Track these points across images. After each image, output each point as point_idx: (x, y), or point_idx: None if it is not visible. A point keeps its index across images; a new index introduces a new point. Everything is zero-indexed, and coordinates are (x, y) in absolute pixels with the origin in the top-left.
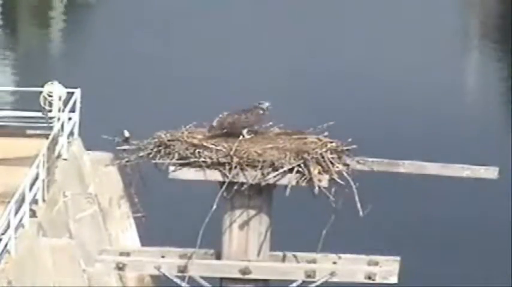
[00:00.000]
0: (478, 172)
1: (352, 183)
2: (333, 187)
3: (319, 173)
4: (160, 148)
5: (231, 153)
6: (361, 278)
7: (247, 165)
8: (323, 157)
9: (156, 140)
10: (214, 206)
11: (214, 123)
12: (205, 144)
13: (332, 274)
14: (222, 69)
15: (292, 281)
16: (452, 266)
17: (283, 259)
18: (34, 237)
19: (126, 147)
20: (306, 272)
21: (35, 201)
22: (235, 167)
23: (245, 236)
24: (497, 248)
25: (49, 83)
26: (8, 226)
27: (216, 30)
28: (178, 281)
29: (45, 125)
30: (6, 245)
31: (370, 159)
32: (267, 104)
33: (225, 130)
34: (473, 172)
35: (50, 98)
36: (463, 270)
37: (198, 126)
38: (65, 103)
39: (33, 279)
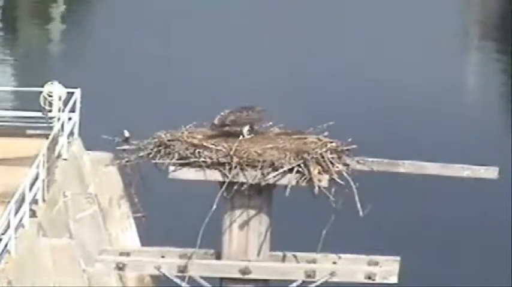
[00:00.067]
0: (478, 172)
1: (352, 183)
2: (333, 187)
3: (319, 173)
4: (160, 148)
5: (231, 153)
6: (361, 278)
7: (247, 165)
8: (323, 157)
9: (156, 140)
10: (214, 206)
11: (216, 121)
12: (205, 144)
13: (332, 274)
14: (222, 69)
15: (292, 281)
16: (452, 266)
17: (283, 259)
18: (34, 237)
19: (126, 147)
20: (306, 272)
21: (35, 201)
22: (235, 167)
23: (245, 236)
24: (497, 248)
25: (49, 83)
26: (8, 226)
27: (216, 30)
28: (178, 281)
29: (45, 125)
30: (6, 245)
31: (370, 159)
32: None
33: (226, 127)
34: (473, 172)
35: (50, 98)
36: (463, 270)
37: (198, 126)
38: (65, 103)
39: (33, 279)
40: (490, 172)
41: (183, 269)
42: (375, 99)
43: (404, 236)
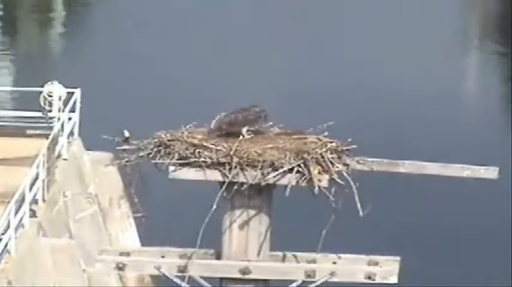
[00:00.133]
0: (478, 172)
1: (352, 183)
2: (333, 187)
3: (319, 173)
4: (160, 147)
5: (231, 153)
6: (361, 278)
7: (247, 165)
8: (323, 157)
9: (156, 140)
10: (214, 206)
11: (212, 126)
12: (205, 144)
13: (332, 274)
14: (222, 69)
15: (292, 281)
16: (452, 266)
17: (283, 259)
18: (34, 237)
19: (126, 147)
20: (306, 272)
21: (35, 201)
22: (235, 167)
23: (245, 236)
24: (497, 248)
25: (49, 83)
26: (8, 226)
27: (216, 30)
28: (178, 281)
29: (45, 125)
30: (6, 245)
31: (370, 159)
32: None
33: (224, 131)
34: (473, 172)
35: (50, 98)
36: (463, 270)
37: (198, 126)
38: (65, 103)
39: (33, 279)
40: (490, 172)
41: (183, 269)
42: (375, 99)
43: (404, 236)
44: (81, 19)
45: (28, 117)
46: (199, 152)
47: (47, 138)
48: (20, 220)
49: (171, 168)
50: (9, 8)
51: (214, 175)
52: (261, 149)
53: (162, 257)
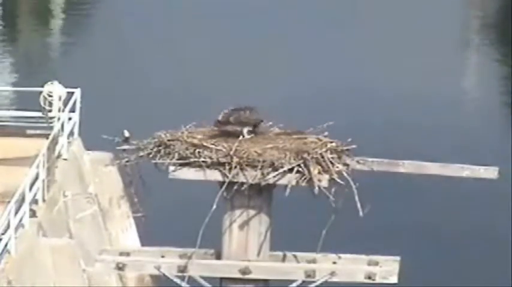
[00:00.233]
0: (477, 171)
1: (352, 183)
2: (333, 187)
3: (319, 173)
4: (160, 148)
5: (231, 153)
6: (361, 278)
7: (247, 165)
8: (323, 157)
9: (156, 140)
10: (214, 206)
11: (220, 118)
12: (205, 144)
13: (332, 274)
14: (222, 69)
15: (292, 281)
16: (452, 266)
17: (283, 259)
18: (34, 237)
19: (126, 147)
20: (306, 272)
21: (35, 201)
22: (235, 167)
23: (245, 236)
24: (497, 248)
25: (49, 83)
26: (8, 226)
27: (216, 30)
28: (178, 281)
29: (45, 125)
30: (6, 245)
31: (370, 159)
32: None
33: (229, 125)
34: (473, 172)
35: (50, 98)
36: (463, 270)
37: (198, 126)
38: (65, 103)
39: (33, 279)
40: (490, 172)
41: (183, 269)
42: (375, 99)
43: (404, 236)
44: (81, 19)
45: (28, 117)
46: (199, 152)
47: (47, 138)
48: (20, 220)
49: (171, 168)
50: (9, 8)
51: (214, 175)
52: (261, 149)
53: (162, 257)
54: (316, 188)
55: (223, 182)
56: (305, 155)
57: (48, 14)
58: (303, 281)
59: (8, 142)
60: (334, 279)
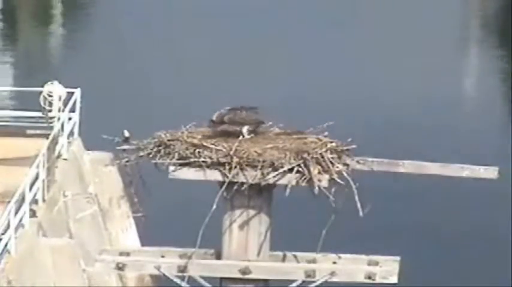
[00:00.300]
0: (477, 171)
1: (352, 183)
2: (333, 187)
3: (319, 173)
4: (160, 148)
5: (231, 153)
6: (361, 278)
7: (247, 165)
8: (323, 157)
9: (156, 140)
10: (214, 206)
11: (214, 118)
12: (205, 144)
13: (332, 274)
14: (222, 69)
15: (292, 281)
16: (452, 266)
17: (283, 259)
18: (34, 237)
19: (126, 147)
20: (306, 272)
21: (35, 201)
22: (235, 167)
23: (245, 236)
24: (497, 248)
25: (49, 83)
26: (8, 226)
27: (216, 30)
28: (178, 281)
29: (45, 125)
30: (6, 245)
31: (370, 159)
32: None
33: (224, 125)
34: (473, 172)
35: (50, 98)
36: (463, 270)
37: (198, 126)
38: (65, 103)
39: (33, 279)
40: (490, 172)
41: (183, 269)
42: (375, 98)
43: (404, 236)
44: (81, 19)
45: (28, 117)
46: (199, 152)
47: (47, 138)
48: (20, 220)
49: (171, 168)
50: (9, 8)
51: (214, 175)
52: (261, 149)
53: (162, 257)
54: (316, 188)
55: (223, 182)
56: (305, 155)
57: (48, 14)
58: (303, 281)
59: (8, 142)
60: (334, 279)
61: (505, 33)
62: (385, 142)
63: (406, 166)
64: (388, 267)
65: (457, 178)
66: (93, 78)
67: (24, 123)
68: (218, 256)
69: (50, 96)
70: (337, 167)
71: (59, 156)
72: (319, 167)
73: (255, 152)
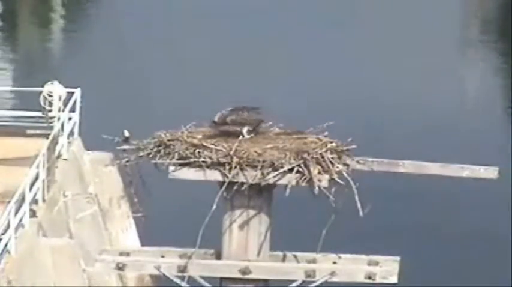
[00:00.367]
0: (477, 171)
1: (352, 183)
2: (333, 187)
3: (319, 173)
4: (160, 148)
5: (231, 153)
6: (361, 278)
7: (247, 165)
8: (323, 157)
9: (156, 140)
10: (214, 206)
11: (216, 119)
12: (205, 144)
13: (332, 274)
14: (222, 68)
15: (292, 281)
16: (452, 266)
17: (283, 259)
18: (34, 237)
19: (126, 147)
20: (306, 272)
21: (35, 201)
22: (235, 167)
23: (245, 236)
24: (497, 248)
25: (49, 83)
26: (8, 226)
27: (217, 30)
28: (178, 281)
29: (45, 125)
30: (6, 245)
31: (370, 159)
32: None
33: (226, 126)
34: (473, 172)
35: (50, 98)
36: (463, 270)
37: (198, 126)
38: (65, 103)
39: (33, 279)
40: (490, 172)
41: (183, 269)
42: (375, 98)
43: (404, 236)
44: (81, 19)
45: (28, 117)
46: (199, 152)
47: (47, 138)
48: (20, 220)
49: (171, 168)
50: (9, 8)
51: (214, 175)
52: (261, 149)
53: (162, 257)
54: (316, 188)
55: (223, 182)
56: (305, 155)
57: (48, 13)
58: (303, 281)
59: (8, 142)
60: (334, 279)
61: (505, 33)
62: (385, 142)
63: (406, 166)
64: (388, 267)
65: (457, 178)
66: (93, 78)
67: (24, 123)
68: (218, 256)
69: (50, 96)
70: (337, 167)
71: (59, 156)
72: (319, 167)
73: (255, 152)
